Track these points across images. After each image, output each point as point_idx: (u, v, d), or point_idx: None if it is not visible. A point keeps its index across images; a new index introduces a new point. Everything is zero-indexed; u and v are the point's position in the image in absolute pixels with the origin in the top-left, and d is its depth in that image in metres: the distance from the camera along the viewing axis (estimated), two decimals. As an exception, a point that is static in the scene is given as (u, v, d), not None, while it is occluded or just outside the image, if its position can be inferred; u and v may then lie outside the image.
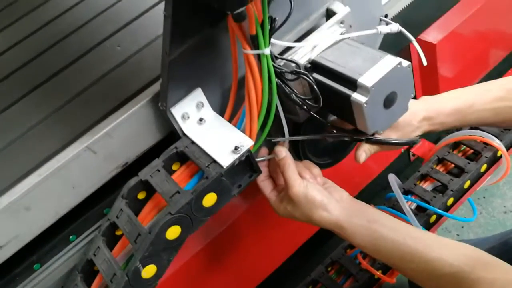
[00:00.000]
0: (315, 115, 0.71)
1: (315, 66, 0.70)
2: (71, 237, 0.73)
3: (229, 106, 0.71)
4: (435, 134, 1.21)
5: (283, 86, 0.67)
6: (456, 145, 1.05)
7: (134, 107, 0.69)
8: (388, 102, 0.66)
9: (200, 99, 0.69)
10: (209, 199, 0.64)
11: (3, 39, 1.07)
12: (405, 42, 0.85)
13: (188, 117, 0.69)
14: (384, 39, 0.86)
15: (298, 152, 0.81)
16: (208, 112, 0.70)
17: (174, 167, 0.69)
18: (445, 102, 0.79)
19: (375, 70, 0.64)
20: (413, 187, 0.99)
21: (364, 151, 0.75)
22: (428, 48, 1.07)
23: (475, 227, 1.43)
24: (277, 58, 0.68)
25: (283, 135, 0.74)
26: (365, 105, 0.64)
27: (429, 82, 1.14)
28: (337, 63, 0.68)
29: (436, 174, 1.00)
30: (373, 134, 0.72)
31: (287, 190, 0.70)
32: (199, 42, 0.64)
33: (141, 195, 0.69)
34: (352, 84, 0.65)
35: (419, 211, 0.95)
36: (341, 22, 0.74)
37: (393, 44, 0.90)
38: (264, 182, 0.75)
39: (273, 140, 0.74)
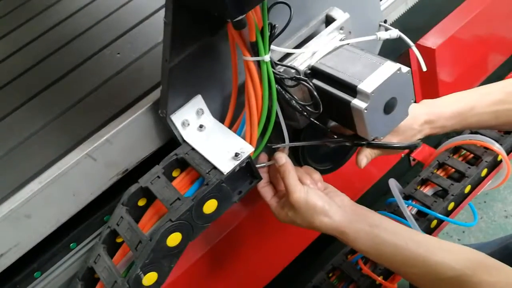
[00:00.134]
0: (315, 121, 0.71)
1: (315, 72, 0.70)
2: (71, 244, 0.73)
3: (229, 113, 0.71)
4: (435, 139, 1.21)
5: (283, 92, 0.67)
6: (456, 149, 1.05)
7: (134, 114, 0.69)
8: (388, 108, 0.66)
9: (200, 106, 0.69)
10: (210, 206, 0.64)
11: (4, 46, 1.08)
12: (404, 47, 0.85)
13: (188, 124, 0.69)
14: (384, 44, 0.86)
15: (298, 158, 0.81)
16: (208, 118, 0.70)
17: (174, 173, 0.69)
18: (445, 105, 0.79)
19: (375, 76, 0.64)
20: (414, 192, 0.99)
21: (365, 156, 0.75)
22: (428, 53, 1.07)
23: (476, 231, 1.43)
24: (277, 64, 0.68)
25: (283, 141, 0.74)
26: (365, 111, 0.64)
27: (429, 87, 1.14)
28: (337, 69, 0.68)
29: (436, 179, 1.00)
30: (374, 139, 0.72)
31: (287, 196, 0.70)
32: (199, 49, 0.64)
33: (141, 202, 0.69)
34: (352, 90, 0.65)
35: (420, 216, 0.95)
36: (341, 28, 0.74)
37: (393, 49, 0.90)
38: (264, 188, 0.75)
39: (273, 147, 0.74)
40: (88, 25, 1.01)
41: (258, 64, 0.63)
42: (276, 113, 0.68)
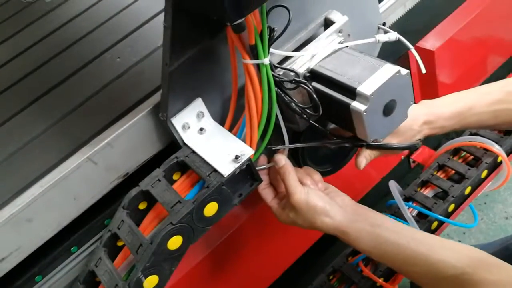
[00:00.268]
0: (315, 124, 0.71)
1: (314, 75, 0.70)
2: (72, 248, 0.73)
3: (229, 116, 0.71)
4: (435, 140, 1.21)
5: (283, 95, 0.68)
6: (456, 151, 1.05)
7: (134, 117, 0.69)
8: (388, 110, 0.67)
9: (200, 109, 0.69)
10: (210, 209, 0.64)
11: (4, 50, 1.08)
12: (403, 49, 0.86)
13: (189, 127, 0.69)
14: (383, 46, 0.87)
15: (298, 161, 0.81)
16: (208, 121, 0.70)
17: (175, 176, 0.69)
18: (444, 105, 0.79)
19: (374, 78, 0.64)
20: (414, 193, 0.99)
21: (364, 157, 0.75)
22: (427, 55, 1.07)
23: (477, 233, 1.43)
24: (276, 67, 0.69)
25: (283, 144, 0.74)
26: (365, 113, 0.64)
27: (428, 89, 1.14)
28: (336, 71, 0.68)
29: (436, 181, 1.00)
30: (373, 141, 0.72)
31: (288, 197, 0.70)
32: (199, 53, 0.65)
33: (142, 205, 0.69)
34: (351, 92, 0.65)
35: (421, 218, 0.95)
36: (340, 31, 0.74)
37: (392, 52, 0.90)
38: (265, 190, 0.75)
39: (273, 148, 0.74)
40: (88, 29, 1.01)
41: (258, 67, 0.63)
42: (276, 115, 0.68)
